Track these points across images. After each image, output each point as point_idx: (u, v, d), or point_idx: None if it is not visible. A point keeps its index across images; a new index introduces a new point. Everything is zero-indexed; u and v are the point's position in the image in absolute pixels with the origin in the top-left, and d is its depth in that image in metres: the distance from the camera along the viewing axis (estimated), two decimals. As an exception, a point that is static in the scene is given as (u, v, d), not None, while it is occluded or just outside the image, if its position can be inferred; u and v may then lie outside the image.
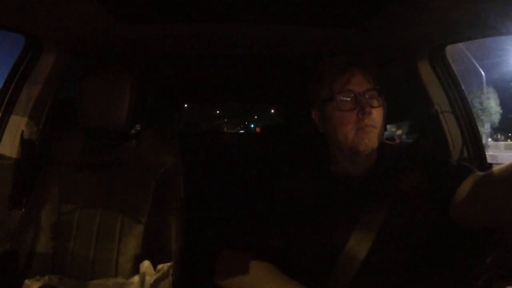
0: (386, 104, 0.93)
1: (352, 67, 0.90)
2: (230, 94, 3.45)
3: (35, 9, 1.13)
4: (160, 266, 1.08)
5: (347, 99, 0.88)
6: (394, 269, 0.82)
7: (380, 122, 0.89)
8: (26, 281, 1.07)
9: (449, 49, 1.45)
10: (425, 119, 1.56)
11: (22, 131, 1.40)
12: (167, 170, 1.34)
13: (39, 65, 1.41)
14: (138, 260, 1.17)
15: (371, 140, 0.87)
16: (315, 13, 1.34)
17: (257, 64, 2.15)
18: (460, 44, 1.45)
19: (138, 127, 1.41)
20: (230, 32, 1.53)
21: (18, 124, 1.40)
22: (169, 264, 1.09)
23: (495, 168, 0.72)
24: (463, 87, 1.50)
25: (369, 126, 0.87)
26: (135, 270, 1.13)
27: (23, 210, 1.34)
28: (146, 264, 1.07)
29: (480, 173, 0.80)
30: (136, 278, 1.05)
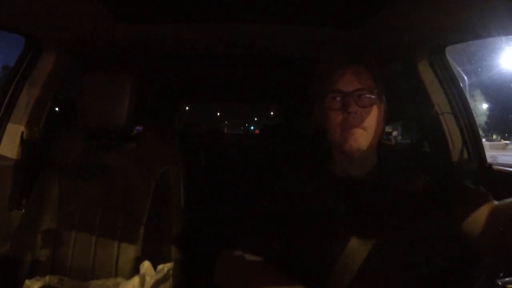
0: (384, 104, 0.92)
1: (344, 66, 0.89)
2: (230, 94, 3.45)
3: (35, 9, 1.13)
4: (160, 267, 1.08)
5: (336, 98, 0.88)
6: (394, 272, 0.82)
7: (370, 122, 0.87)
8: (27, 281, 1.08)
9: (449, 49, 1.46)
10: (425, 120, 1.56)
11: (22, 132, 1.40)
12: (167, 170, 1.34)
13: (39, 65, 1.41)
14: (138, 261, 1.17)
15: (356, 141, 0.86)
16: (315, 13, 1.34)
17: (257, 64, 2.15)
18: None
19: (139, 129, 1.41)
20: (230, 32, 1.53)
21: (18, 124, 1.40)
22: (169, 264, 1.09)
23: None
24: (463, 88, 1.50)
25: (353, 127, 0.86)
26: (135, 271, 1.13)
27: (23, 210, 1.34)
28: (146, 265, 1.07)
29: (495, 203, 0.80)
30: (136, 279, 1.05)
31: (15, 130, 1.39)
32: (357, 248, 0.83)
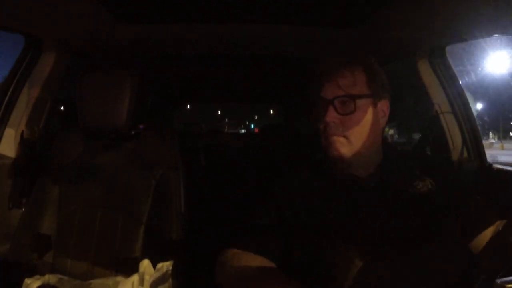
0: (385, 105, 0.91)
1: (332, 70, 0.87)
2: (230, 94, 3.45)
3: (35, 9, 1.13)
4: (159, 265, 1.08)
5: (319, 106, 0.87)
6: (396, 275, 0.81)
7: (354, 129, 0.85)
8: (26, 280, 1.08)
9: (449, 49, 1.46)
10: (425, 119, 1.56)
11: (22, 131, 1.40)
12: (167, 170, 1.34)
13: (39, 65, 1.41)
14: (138, 260, 1.17)
15: (336, 150, 0.85)
16: (315, 13, 1.34)
17: (257, 64, 2.15)
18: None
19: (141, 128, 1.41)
20: (230, 32, 1.53)
21: (18, 124, 1.40)
22: (168, 263, 1.09)
23: None
24: (463, 87, 1.50)
25: (332, 136, 0.85)
26: (135, 270, 1.13)
27: (23, 210, 1.34)
28: (145, 263, 1.07)
29: (504, 222, 0.80)
30: (135, 277, 1.05)
31: (15, 130, 1.39)
32: (358, 249, 0.82)
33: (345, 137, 0.85)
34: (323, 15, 1.36)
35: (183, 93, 3.28)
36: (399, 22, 1.27)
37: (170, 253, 1.21)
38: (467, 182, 1.26)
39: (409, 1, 1.11)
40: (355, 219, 0.86)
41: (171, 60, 2.09)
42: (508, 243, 0.67)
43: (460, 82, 1.49)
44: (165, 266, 1.06)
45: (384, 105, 0.91)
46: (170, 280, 1.05)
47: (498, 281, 0.50)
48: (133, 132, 1.38)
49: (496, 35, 1.25)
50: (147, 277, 1.03)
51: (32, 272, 1.17)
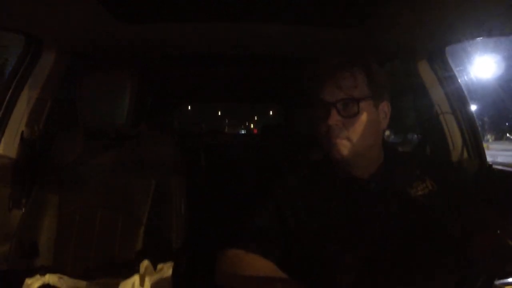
0: (386, 107, 0.91)
1: (332, 72, 0.86)
2: (230, 94, 3.44)
3: (35, 9, 1.13)
4: (160, 266, 1.08)
5: (320, 108, 0.86)
6: (397, 275, 0.82)
7: (357, 131, 0.85)
8: (27, 280, 1.08)
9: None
10: (424, 120, 1.56)
11: (22, 131, 1.40)
12: (167, 170, 1.34)
13: (39, 65, 1.41)
14: (138, 260, 1.17)
15: (339, 152, 0.85)
16: (315, 13, 1.34)
17: (257, 64, 2.15)
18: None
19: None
20: (230, 32, 1.53)
21: (18, 124, 1.40)
22: (169, 264, 1.09)
23: None
24: (463, 88, 1.50)
25: (335, 138, 0.85)
26: (135, 270, 1.13)
27: (23, 210, 1.34)
28: (145, 264, 1.07)
29: (504, 222, 0.79)
30: (136, 278, 1.05)
31: (15, 130, 1.39)
32: (359, 249, 0.82)
33: (347, 139, 0.85)
34: (323, 15, 1.36)
35: (183, 93, 3.28)
36: (399, 23, 1.27)
37: (170, 253, 1.22)
38: (467, 182, 1.26)
39: (409, 1, 1.11)
40: (355, 219, 0.86)
41: (171, 60, 2.09)
42: (507, 245, 0.67)
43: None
44: (166, 266, 1.06)
45: (385, 106, 0.91)
46: (171, 280, 1.05)
47: (497, 282, 0.50)
48: (133, 132, 1.38)
49: (495, 35, 1.25)
50: (147, 278, 1.03)
51: (32, 272, 1.17)
